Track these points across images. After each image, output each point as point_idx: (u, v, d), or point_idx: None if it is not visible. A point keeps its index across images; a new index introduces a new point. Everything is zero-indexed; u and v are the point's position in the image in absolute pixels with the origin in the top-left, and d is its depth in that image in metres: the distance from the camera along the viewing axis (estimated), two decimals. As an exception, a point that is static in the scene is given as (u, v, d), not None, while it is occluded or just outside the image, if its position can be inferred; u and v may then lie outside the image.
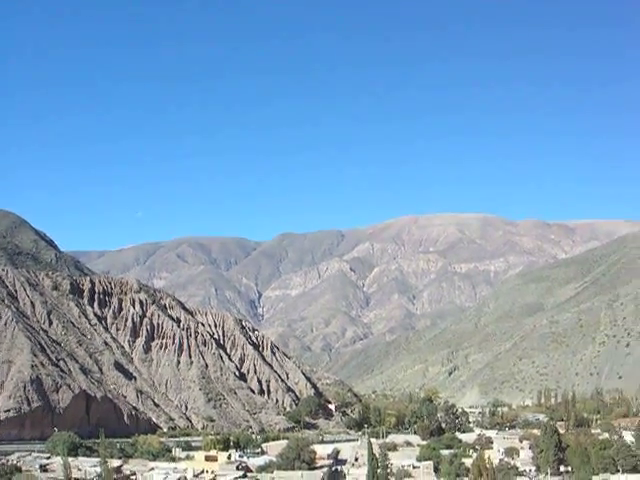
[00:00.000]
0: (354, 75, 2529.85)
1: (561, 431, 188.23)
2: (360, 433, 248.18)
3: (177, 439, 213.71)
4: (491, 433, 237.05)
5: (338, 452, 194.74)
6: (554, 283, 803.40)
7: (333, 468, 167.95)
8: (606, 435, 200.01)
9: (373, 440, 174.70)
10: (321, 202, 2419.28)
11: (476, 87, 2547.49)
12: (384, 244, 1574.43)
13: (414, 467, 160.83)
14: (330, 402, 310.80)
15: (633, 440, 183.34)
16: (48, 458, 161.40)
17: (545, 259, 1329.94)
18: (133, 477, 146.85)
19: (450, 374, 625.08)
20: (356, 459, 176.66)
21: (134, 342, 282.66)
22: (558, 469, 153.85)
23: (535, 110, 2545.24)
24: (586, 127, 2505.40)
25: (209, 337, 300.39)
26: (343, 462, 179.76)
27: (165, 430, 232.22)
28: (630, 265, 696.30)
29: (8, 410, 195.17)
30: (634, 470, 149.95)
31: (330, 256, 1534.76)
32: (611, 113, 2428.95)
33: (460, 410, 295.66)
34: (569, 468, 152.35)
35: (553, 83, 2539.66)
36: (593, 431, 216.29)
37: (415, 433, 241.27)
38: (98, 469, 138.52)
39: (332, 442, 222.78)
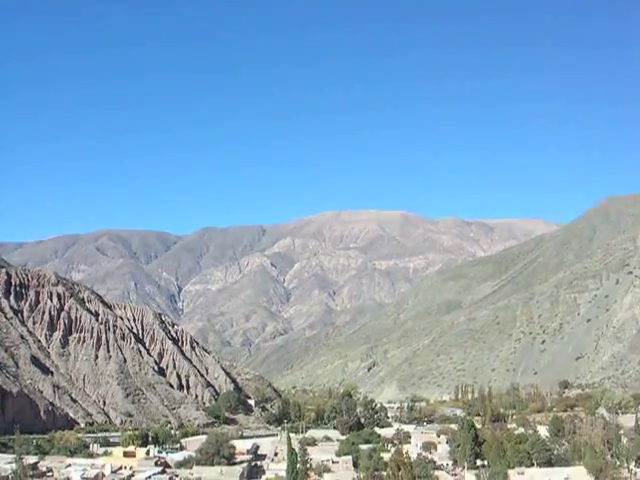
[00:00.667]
0: (265, 73, 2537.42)
1: (478, 426, 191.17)
2: (280, 428, 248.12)
3: (95, 435, 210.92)
4: (409, 428, 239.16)
5: (258, 447, 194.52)
6: (472, 281, 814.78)
7: (253, 463, 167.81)
8: (521, 430, 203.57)
9: (292, 435, 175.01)
10: (243, 197, 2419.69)
11: (398, 82, 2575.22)
12: (305, 240, 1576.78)
13: (333, 462, 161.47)
14: (250, 397, 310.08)
15: (547, 434, 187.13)
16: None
17: (464, 257, 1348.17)
18: (50, 474, 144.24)
19: (369, 370, 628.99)
20: (276, 454, 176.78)
21: (51, 336, 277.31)
22: (475, 463, 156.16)
23: (454, 106, 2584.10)
24: (504, 125, 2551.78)
25: (128, 331, 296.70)
26: (263, 457, 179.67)
27: (83, 426, 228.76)
28: (546, 264, 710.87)
29: None
30: (548, 463, 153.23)
31: (251, 251, 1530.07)
32: (530, 109, 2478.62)
33: (379, 405, 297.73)
34: (485, 462, 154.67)
35: (467, 76, 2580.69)
36: (509, 426, 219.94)
37: (334, 428, 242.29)
38: (14, 466, 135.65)
39: (252, 437, 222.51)
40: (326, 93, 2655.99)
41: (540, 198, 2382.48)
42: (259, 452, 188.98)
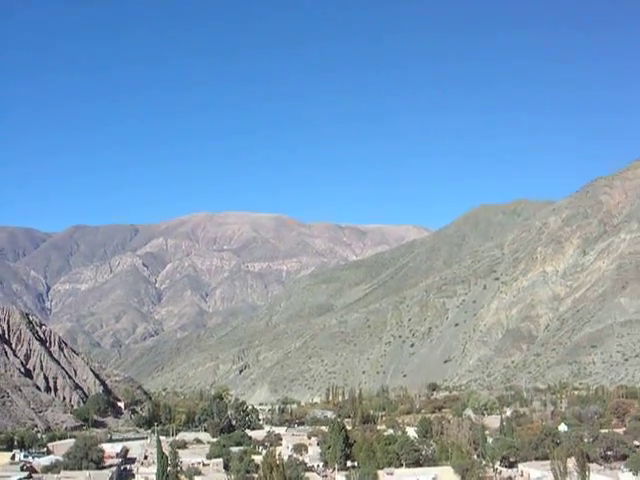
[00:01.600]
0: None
1: (348, 427, 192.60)
2: (150, 431, 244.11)
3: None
4: (280, 430, 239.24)
5: (127, 451, 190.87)
6: (344, 284, 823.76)
7: (122, 467, 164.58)
8: (391, 431, 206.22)
9: (163, 438, 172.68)
10: (115, 195, 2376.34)
11: (269, 83, 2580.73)
12: (178, 240, 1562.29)
13: (204, 464, 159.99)
14: (119, 400, 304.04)
15: (416, 435, 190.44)
16: None
17: (336, 261, 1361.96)
18: None
19: (241, 372, 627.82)
20: (145, 457, 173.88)
21: None
22: (345, 464, 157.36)
23: (329, 111, 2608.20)
24: (375, 135, 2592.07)
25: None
26: (132, 461, 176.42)
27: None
28: (416, 269, 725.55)
29: None
30: (416, 463, 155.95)
31: (123, 250, 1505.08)
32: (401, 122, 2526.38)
33: (250, 407, 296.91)
34: (355, 463, 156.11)
35: (344, 94, 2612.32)
36: (379, 427, 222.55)
37: (205, 431, 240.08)
38: None
39: (121, 440, 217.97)
40: (195, 93, 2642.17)
41: (412, 205, 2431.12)
42: (129, 455, 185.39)
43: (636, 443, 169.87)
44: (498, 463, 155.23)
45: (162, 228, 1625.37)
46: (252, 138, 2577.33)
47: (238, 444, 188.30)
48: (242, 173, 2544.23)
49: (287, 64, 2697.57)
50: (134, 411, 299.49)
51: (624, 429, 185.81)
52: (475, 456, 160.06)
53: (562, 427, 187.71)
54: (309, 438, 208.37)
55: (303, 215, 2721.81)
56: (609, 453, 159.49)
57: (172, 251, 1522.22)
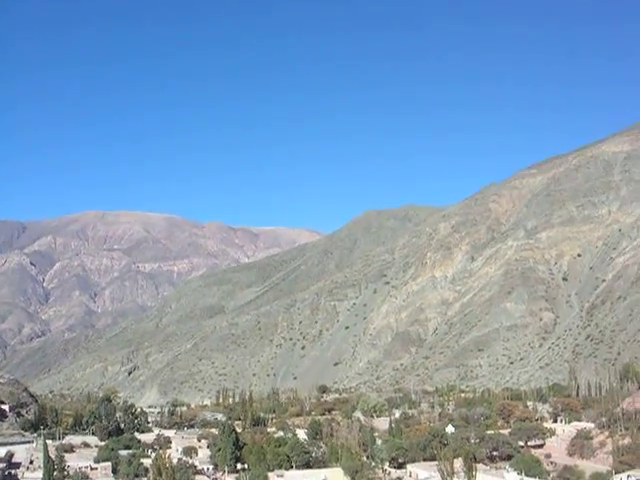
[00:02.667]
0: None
1: (238, 430, 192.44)
2: (36, 435, 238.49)
3: None
4: (170, 433, 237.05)
5: (12, 455, 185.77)
6: (236, 286, 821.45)
7: (6, 472, 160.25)
8: (281, 433, 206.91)
9: (49, 442, 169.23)
10: (1, 190, 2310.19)
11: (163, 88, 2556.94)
12: (67, 239, 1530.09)
13: (92, 468, 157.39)
14: (4, 402, 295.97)
15: (306, 437, 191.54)
16: None
17: (228, 262, 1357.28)
18: None
19: (130, 374, 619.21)
20: (31, 462, 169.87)
21: None
22: (235, 467, 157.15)
23: (216, 114, 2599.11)
24: (268, 138, 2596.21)
25: None
26: (17, 465, 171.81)
27: None
28: (308, 272, 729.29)
29: None
30: (307, 465, 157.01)
31: (9, 248, 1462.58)
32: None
33: (139, 410, 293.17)
34: (246, 465, 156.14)
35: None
36: (269, 429, 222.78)
37: (93, 434, 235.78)
38: None
39: (5, 445, 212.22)
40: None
41: (305, 208, 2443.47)
42: (13, 460, 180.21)
43: (520, 444, 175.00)
44: (387, 464, 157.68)
45: (51, 226, 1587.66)
46: (145, 137, 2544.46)
47: (127, 447, 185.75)
48: (134, 172, 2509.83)
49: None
50: (19, 414, 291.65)
51: (509, 430, 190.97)
52: (364, 457, 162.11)
53: (449, 428, 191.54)
54: (199, 441, 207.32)
55: (195, 216, 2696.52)
56: (495, 453, 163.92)
57: (61, 250, 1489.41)
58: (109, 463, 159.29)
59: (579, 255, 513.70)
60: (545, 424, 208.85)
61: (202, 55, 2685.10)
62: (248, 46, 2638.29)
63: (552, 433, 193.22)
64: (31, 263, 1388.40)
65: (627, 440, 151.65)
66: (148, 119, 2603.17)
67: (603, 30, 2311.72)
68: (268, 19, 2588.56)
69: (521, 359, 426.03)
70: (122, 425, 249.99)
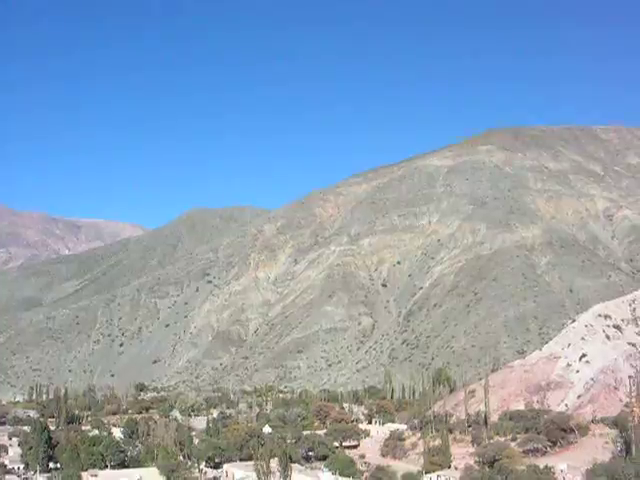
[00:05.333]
0: None
1: (52, 428, 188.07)
2: None
3: None
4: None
5: None
6: (54, 278, 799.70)
7: None
8: (96, 431, 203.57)
9: None
10: None
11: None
12: None
13: None
14: None
15: (122, 436, 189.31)
16: None
17: (48, 254, 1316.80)
18: None
19: None
20: None
21: None
22: (48, 466, 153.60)
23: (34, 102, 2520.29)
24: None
25: None
26: None
27: None
28: (130, 267, 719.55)
29: None
30: (122, 465, 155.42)
31: None
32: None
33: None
34: (59, 464, 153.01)
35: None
36: (84, 428, 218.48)
37: None
38: None
39: None
40: None
41: (129, 202, 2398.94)
42: None
43: (336, 444, 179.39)
44: (204, 464, 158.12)
45: None
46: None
47: None
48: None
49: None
50: None
51: (325, 431, 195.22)
52: (181, 457, 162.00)
53: (266, 429, 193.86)
54: (10, 439, 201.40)
55: (15, 203, 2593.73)
56: (311, 454, 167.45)
57: None
58: None
59: (399, 262, 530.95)
60: (360, 425, 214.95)
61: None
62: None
63: (367, 434, 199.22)
64: None
65: (437, 442, 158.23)
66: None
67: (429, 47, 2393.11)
68: None
69: (339, 362, 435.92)
70: None
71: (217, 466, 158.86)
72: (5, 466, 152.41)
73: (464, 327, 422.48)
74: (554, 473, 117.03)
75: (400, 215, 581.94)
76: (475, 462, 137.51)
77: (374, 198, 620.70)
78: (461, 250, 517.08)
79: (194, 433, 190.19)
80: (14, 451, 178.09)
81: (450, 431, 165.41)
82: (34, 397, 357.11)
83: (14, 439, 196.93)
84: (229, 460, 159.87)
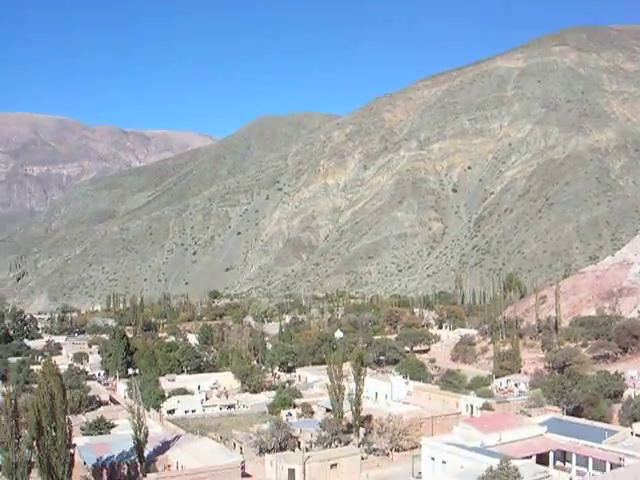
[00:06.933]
0: None
1: (129, 335, 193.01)
2: None
3: None
4: (60, 339, 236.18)
5: None
6: (127, 191, 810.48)
7: None
8: (172, 338, 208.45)
9: None
10: None
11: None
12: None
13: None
14: None
15: (197, 342, 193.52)
16: None
17: (119, 166, 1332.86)
18: None
19: (18, 280, 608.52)
20: None
21: None
22: (127, 372, 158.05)
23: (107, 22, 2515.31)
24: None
25: None
26: None
27: None
28: (200, 177, 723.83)
29: None
30: (198, 370, 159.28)
31: None
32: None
33: (29, 316, 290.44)
34: (137, 370, 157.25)
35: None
36: (160, 335, 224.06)
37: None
38: None
39: None
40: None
41: (197, 111, 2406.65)
42: None
43: (406, 349, 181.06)
44: (277, 368, 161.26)
45: None
46: (34, 38, 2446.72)
47: (16, 354, 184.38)
48: (22, 73, 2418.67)
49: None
50: None
51: (396, 336, 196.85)
52: (255, 361, 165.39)
53: (338, 333, 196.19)
54: (90, 347, 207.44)
55: (86, 118, 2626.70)
56: (382, 358, 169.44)
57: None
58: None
59: (469, 167, 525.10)
60: (430, 330, 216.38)
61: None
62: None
63: (437, 339, 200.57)
64: None
65: (507, 346, 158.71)
66: (35, 20, 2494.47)
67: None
68: None
69: (409, 267, 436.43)
70: (11, 332, 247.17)
71: (290, 370, 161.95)
72: (86, 372, 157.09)
73: (535, 232, 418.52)
74: (624, 379, 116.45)
75: (470, 119, 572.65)
76: (545, 367, 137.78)
77: (444, 102, 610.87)
78: (533, 154, 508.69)
79: (267, 338, 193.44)
80: (94, 358, 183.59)
81: (520, 336, 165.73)
82: (111, 306, 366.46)
83: (94, 347, 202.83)
84: (302, 364, 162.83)
